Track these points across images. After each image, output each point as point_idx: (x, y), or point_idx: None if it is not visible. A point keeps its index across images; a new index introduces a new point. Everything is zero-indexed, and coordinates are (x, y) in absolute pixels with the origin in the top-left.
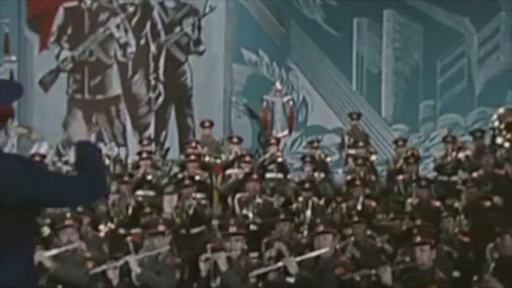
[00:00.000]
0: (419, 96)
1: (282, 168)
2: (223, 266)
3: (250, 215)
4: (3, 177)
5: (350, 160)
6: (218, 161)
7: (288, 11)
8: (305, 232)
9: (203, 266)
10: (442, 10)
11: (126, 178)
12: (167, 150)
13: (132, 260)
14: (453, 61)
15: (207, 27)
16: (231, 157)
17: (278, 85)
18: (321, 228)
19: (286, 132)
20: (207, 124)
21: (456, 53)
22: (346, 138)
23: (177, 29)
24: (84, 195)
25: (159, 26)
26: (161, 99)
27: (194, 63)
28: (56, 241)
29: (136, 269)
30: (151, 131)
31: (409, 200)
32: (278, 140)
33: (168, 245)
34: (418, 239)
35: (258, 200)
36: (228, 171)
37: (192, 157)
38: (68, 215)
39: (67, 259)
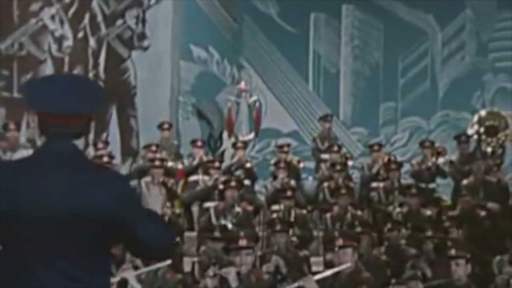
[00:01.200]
0: (380, 97)
1: (250, 174)
2: (233, 282)
3: (229, 225)
4: (106, 194)
5: (322, 166)
6: (180, 166)
7: (240, 5)
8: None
9: (210, 282)
10: (404, 6)
11: None
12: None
13: (130, 276)
14: (416, 60)
15: (152, 20)
16: (195, 162)
17: (243, 85)
18: (340, 241)
19: (251, 135)
20: (166, 126)
21: (418, 52)
22: (319, 142)
23: (119, 21)
24: (167, 250)
25: (99, 18)
26: None
27: (138, 60)
28: None
29: (136, 286)
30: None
31: (398, 209)
32: (245, 144)
33: None
34: (453, 252)
35: (237, 209)
36: (192, 178)
37: (157, 162)
38: None
39: None
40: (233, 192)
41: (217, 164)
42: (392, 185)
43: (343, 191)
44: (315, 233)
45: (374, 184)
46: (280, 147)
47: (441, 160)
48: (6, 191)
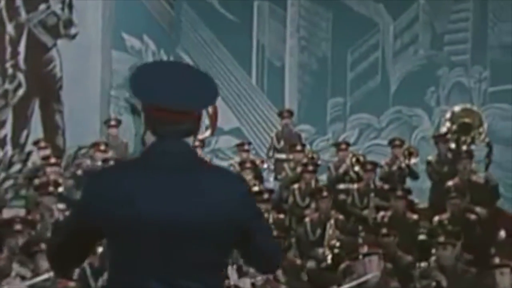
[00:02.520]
0: (327, 92)
1: None
2: None
3: None
4: (228, 197)
5: (286, 166)
6: None
7: None
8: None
9: None
10: None
11: None
12: (29, 153)
13: None
14: (366, 53)
15: (81, 5)
16: None
17: None
18: (365, 249)
19: (208, 133)
20: (113, 122)
21: (369, 45)
22: (275, 141)
23: (42, 6)
24: (277, 264)
25: (18, 1)
26: (21, 91)
27: (64, 49)
28: (33, 268)
29: None
30: (7, 130)
31: (382, 213)
32: (203, 143)
33: None
34: (497, 260)
35: None
36: None
37: (111, 162)
38: (49, 234)
39: None
40: None
41: None
42: (368, 187)
43: (325, 193)
44: (292, 240)
45: (341, 186)
46: (240, 145)
47: (413, 160)
48: (120, 198)
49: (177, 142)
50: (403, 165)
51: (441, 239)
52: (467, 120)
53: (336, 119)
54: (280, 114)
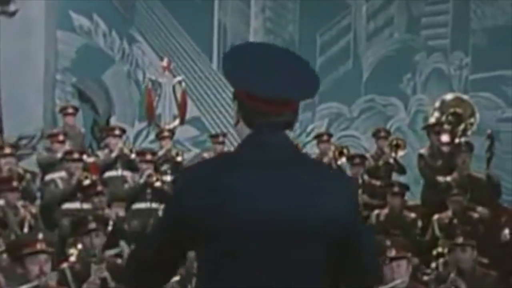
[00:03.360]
0: None
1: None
2: None
3: None
4: (336, 200)
5: None
6: (91, 159)
7: None
8: None
9: None
10: None
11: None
12: None
13: None
14: (337, 36)
15: None
16: (114, 154)
17: (165, 62)
18: (392, 252)
19: (177, 122)
20: (70, 110)
21: (340, 27)
22: None
23: None
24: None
25: None
26: None
27: (2, 28)
28: (23, 272)
29: None
30: None
31: (376, 211)
32: (172, 133)
33: None
34: None
35: None
36: (109, 174)
37: (76, 155)
38: (40, 235)
39: None
40: None
41: (149, 156)
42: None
43: None
44: None
45: None
46: (215, 137)
47: (400, 153)
48: (219, 198)
49: (277, 135)
50: (390, 160)
51: (460, 240)
52: (458, 110)
53: (303, 108)
54: None
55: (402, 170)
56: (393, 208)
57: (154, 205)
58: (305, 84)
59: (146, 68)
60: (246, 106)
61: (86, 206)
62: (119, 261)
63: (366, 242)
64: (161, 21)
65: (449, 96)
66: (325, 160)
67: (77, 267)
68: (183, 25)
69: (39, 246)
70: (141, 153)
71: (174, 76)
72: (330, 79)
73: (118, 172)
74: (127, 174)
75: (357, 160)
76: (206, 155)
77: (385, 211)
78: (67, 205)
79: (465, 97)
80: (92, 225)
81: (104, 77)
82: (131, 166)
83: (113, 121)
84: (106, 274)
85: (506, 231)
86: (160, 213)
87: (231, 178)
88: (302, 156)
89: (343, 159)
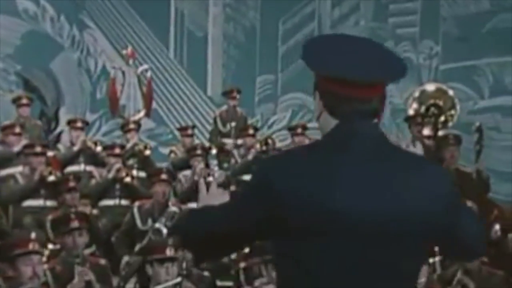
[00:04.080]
0: (256, 69)
1: (149, 164)
2: None
3: (164, 230)
4: (435, 193)
5: (235, 152)
6: (51, 153)
7: None
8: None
9: None
10: None
11: None
12: None
13: None
14: (300, 24)
15: None
16: (76, 147)
17: (129, 50)
18: None
19: (142, 114)
20: (24, 101)
21: (303, 14)
22: (220, 123)
23: None
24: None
25: None
26: None
27: None
28: (14, 274)
29: None
30: None
31: None
32: (138, 125)
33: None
34: None
35: (173, 208)
36: (72, 168)
37: (38, 149)
38: (33, 235)
39: None
40: (165, 188)
41: (117, 150)
42: None
43: None
44: None
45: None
46: (183, 129)
47: None
48: (310, 192)
49: (367, 124)
50: None
51: None
52: (438, 101)
53: (265, 99)
54: (227, 94)
55: None
56: None
57: (124, 201)
58: (393, 65)
59: (98, 56)
60: (332, 95)
61: (49, 203)
62: (102, 261)
63: (467, 225)
64: (114, 6)
65: (429, 87)
66: None
67: (58, 269)
68: (138, 11)
69: (31, 246)
70: (109, 147)
71: (140, 65)
72: (293, 68)
73: (81, 167)
74: (91, 169)
75: None
76: (173, 148)
77: None
78: (28, 202)
79: (445, 88)
80: (75, 224)
81: (52, 65)
82: (95, 160)
83: (62, 112)
84: (91, 276)
85: (497, 227)
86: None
87: (324, 170)
88: (394, 146)
89: None
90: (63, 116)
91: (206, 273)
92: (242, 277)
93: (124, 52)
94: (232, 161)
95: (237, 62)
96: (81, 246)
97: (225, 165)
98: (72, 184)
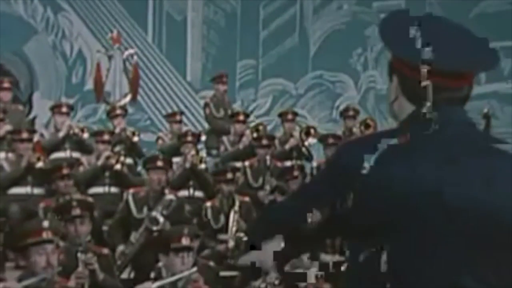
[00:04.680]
0: (236, 54)
1: (136, 150)
2: None
3: (161, 219)
4: None
5: (225, 139)
6: (36, 138)
7: None
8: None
9: None
10: None
11: None
12: None
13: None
14: (281, 8)
15: None
16: (62, 133)
17: (115, 34)
18: None
19: (128, 99)
20: (6, 84)
21: None
22: (214, 109)
23: None
24: None
25: None
26: None
27: None
28: (26, 264)
29: None
30: None
31: None
32: (125, 111)
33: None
34: None
35: (169, 196)
36: (57, 155)
37: (25, 134)
38: (46, 223)
39: None
40: (161, 175)
41: (106, 137)
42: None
43: (296, 173)
44: None
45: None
46: (171, 116)
47: (311, 141)
48: (413, 183)
49: (460, 113)
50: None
51: None
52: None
53: (246, 85)
54: (216, 79)
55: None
56: None
57: (113, 189)
58: (485, 55)
59: (74, 40)
60: (413, 81)
61: (37, 190)
62: (105, 251)
63: None
64: None
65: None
66: (292, 141)
67: (61, 258)
68: None
69: (44, 235)
70: (97, 133)
71: (125, 49)
72: (274, 54)
73: (67, 153)
74: (77, 155)
75: (331, 140)
76: (161, 134)
77: None
78: (15, 190)
79: None
80: (77, 211)
81: (26, 48)
82: (81, 147)
83: (36, 97)
84: (95, 265)
85: None
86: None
87: (418, 156)
88: (483, 133)
89: (311, 140)
90: (37, 101)
91: (211, 263)
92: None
93: (109, 36)
94: (222, 148)
95: (217, 46)
96: (84, 234)
97: (214, 152)
98: (65, 171)
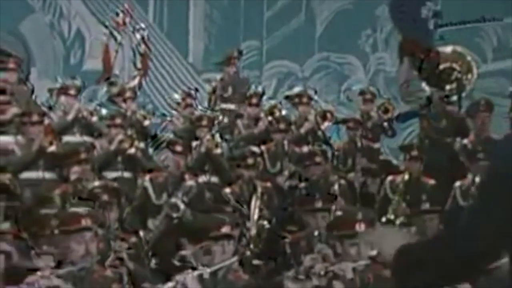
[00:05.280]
0: (240, 34)
1: (146, 134)
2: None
3: (181, 205)
4: None
5: (239, 122)
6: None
7: None
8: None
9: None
10: None
11: None
12: None
13: (190, 279)
14: None
15: None
16: (70, 116)
17: (127, 5)
18: None
19: (137, 80)
20: (12, 65)
21: None
22: (221, 88)
23: None
24: None
25: None
26: None
27: None
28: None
29: None
30: None
31: (390, 177)
32: (134, 94)
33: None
34: None
35: (190, 182)
36: (67, 139)
37: (36, 117)
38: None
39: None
40: (180, 160)
41: (118, 120)
42: (353, 147)
43: (318, 159)
44: None
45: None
46: (182, 99)
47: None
48: None
49: None
50: (385, 123)
51: None
52: (454, 65)
53: (249, 67)
54: (227, 61)
55: (394, 133)
56: (412, 174)
57: (127, 174)
58: None
59: (72, 19)
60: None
61: (48, 175)
62: (133, 238)
63: None
64: None
65: (446, 49)
66: (307, 125)
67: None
68: None
69: (84, 222)
70: (109, 117)
71: (134, 28)
72: (279, 34)
73: (77, 137)
74: (88, 139)
75: (351, 124)
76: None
77: (401, 177)
78: (26, 175)
79: (462, 50)
80: (105, 197)
81: (22, 28)
82: (91, 130)
83: (33, 78)
84: (124, 254)
85: None
86: None
87: None
88: None
89: (326, 124)
90: (34, 82)
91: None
92: (288, 251)
93: (120, 14)
94: (236, 131)
95: (220, 26)
96: (112, 221)
97: (227, 136)
98: (83, 155)
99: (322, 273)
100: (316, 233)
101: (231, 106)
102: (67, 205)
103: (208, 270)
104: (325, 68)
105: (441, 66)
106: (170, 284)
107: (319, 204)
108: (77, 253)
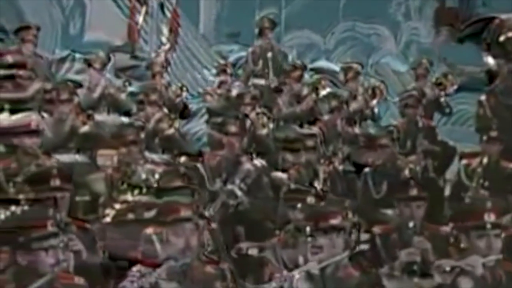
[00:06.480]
0: (256, 2)
1: (184, 111)
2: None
3: (238, 192)
4: None
5: (280, 101)
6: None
7: None
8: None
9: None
10: None
11: None
12: None
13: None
14: None
15: None
16: (96, 93)
17: None
18: (491, 217)
19: (168, 46)
20: (30, 36)
21: None
22: (251, 62)
23: None
24: None
25: None
26: None
27: None
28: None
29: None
30: None
31: (464, 161)
32: (167, 62)
33: None
34: None
35: (247, 165)
36: (97, 118)
37: (65, 95)
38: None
39: None
40: (235, 141)
41: (153, 97)
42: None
43: (384, 140)
44: None
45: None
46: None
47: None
48: None
49: None
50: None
51: None
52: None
53: None
54: (264, 29)
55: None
56: (491, 157)
57: (164, 156)
58: None
59: None
60: None
61: (81, 158)
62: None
63: None
64: None
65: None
66: (354, 104)
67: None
68: None
69: (183, 212)
70: (143, 93)
71: None
72: (299, 2)
73: (105, 115)
74: (117, 118)
75: (411, 101)
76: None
77: (479, 160)
78: (58, 157)
79: None
80: (178, 183)
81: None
82: (119, 108)
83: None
84: None
85: None
86: None
87: None
88: None
89: (375, 101)
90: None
91: None
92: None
93: None
94: (274, 110)
95: None
96: None
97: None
98: (131, 137)
99: (448, 269)
100: (411, 224)
101: (261, 81)
102: (114, 193)
103: (317, 266)
104: (352, 39)
105: (502, 37)
106: (274, 284)
107: (413, 192)
108: (176, 246)
